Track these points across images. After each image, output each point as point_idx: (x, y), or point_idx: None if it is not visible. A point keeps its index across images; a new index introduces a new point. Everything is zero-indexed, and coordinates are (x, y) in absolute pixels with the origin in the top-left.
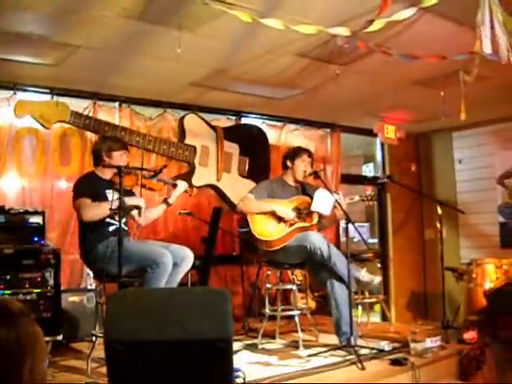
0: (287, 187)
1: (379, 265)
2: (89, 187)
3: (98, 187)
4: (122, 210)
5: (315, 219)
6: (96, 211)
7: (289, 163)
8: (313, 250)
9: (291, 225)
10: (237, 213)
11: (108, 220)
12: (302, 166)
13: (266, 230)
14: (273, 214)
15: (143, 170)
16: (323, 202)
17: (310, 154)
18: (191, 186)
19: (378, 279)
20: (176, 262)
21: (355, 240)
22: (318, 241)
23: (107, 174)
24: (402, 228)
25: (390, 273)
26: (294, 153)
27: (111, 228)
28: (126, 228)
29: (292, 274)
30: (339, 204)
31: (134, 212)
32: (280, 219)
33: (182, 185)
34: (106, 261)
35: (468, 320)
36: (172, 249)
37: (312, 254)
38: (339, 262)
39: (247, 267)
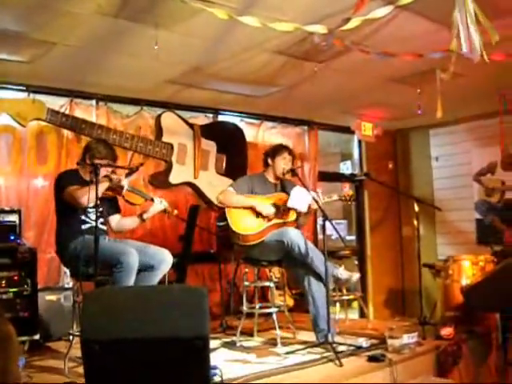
0: (267, 184)
1: (356, 262)
2: (73, 180)
3: (77, 184)
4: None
5: (293, 216)
6: (89, 195)
7: (269, 160)
8: (290, 246)
9: (269, 220)
10: (214, 210)
11: (83, 218)
12: (281, 163)
13: (243, 224)
14: (251, 209)
15: (119, 168)
16: (300, 198)
17: (290, 152)
18: (167, 184)
19: (356, 276)
20: (153, 265)
21: (333, 237)
22: (295, 236)
23: (86, 174)
24: (379, 225)
25: (368, 270)
26: (275, 150)
27: (85, 226)
28: (103, 227)
29: (270, 271)
30: (316, 201)
31: (113, 217)
32: (258, 214)
33: (160, 203)
34: (79, 259)
35: (445, 316)
36: (151, 251)
37: (289, 249)
38: (316, 258)
39: (225, 265)
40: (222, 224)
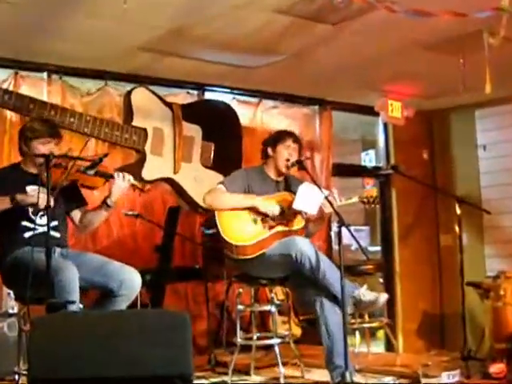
0: (267, 181)
1: (382, 280)
2: (2, 182)
3: (18, 183)
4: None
5: (300, 223)
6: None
7: (269, 151)
8: (300, 260)
9: (271, 227)
10: (199, 213)
11: (25, 223)
12: (285, 153)
13: (238, 232)
14: (250, 212)
15: (77, 160)
16: (309, 199)
17: (296, 139)
18: (140, 179)
19: (382, 298)
20: (112, 289)
21: (352, 248)
22: (306, 248)
23: (32, 166)
24: (410, 232)
25: (396, 290)
26: (276, 137)
27: (27, 234)
28: (57, 234)
29: (271, 291)
30: (330, 202)
31: (76, 213)
32: (257, 219)
33: (123, 178)
34: (23, 277)
35: (495, 349)
36: (110, 269)
37: (298, 265)
38: (332, 275)
39: (213, 283)
40: (210, 232)
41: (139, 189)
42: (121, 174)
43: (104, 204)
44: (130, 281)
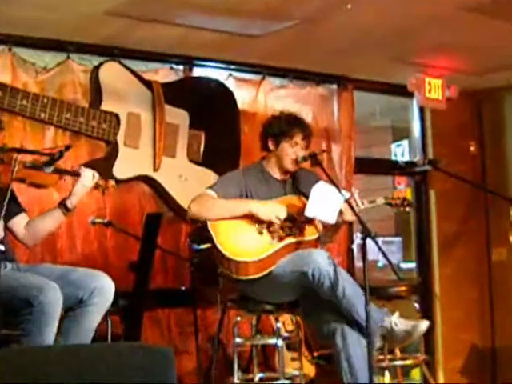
0: (271, 182)
1: (417, 305)
2: None
3: None
4: None
5: (314, 233)
6: None
7: (270, 144)
8: (317, 280)
9: (281, 239)
10: (186, 221)
11: None
12: (290, 152)
13: (241, 244)
14: (252, 221)
15: (30, 154)
16: (324, 203)
17: (307, 135)
18: (110, 178)
19: (422, 326)
20: (82, 298)
21: (379, 265)
22: (325, 264)
23: None
24: (454, 245)
25: (436, 317)
26: (280, 129)
27: None
28: (1, 247)
29: (277, 320)
30: (351, 207)
31: (16, 222)
32: (263, 229)
33: (88, 175)
34: None
35: None
36: (75, 277)
37: (315, 285)
38: (356, 297)
39: (204, 310)
40: (201, 248)
41: (102, 188)
42: (88, 169)
43: (62, 206)
44: (102, 286)
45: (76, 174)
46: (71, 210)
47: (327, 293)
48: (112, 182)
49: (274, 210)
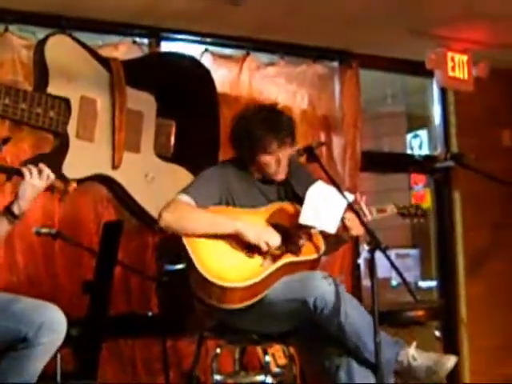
0: (255, 185)
1: (438, 333)
2: None
3: None
4: None
5: (318, 250)
6: None
7: (246, 156)
8: (320, 311)
9: (275, 258)
10: (153, 231)
11: None
12: (271, 162)
13: (225, 266)
14: (234, 240)
15: None
16: (323, 207)
17: (282, 140)
18: (61, 177)
19: (448, 363)
20: (26, 336)
21: (392, 283)
22: (329, 292)
23: None
24: (484, 259)
25: (462, 348)
26: (251, 144)
27: None
28: None
29: (265, 352)
30: (356, 213)
31: None
32: (249, 249)
33: (39, 174)
34: None
35: None
36: (19, 309)
37: (316, 315)
38: (364, 330)
39: (175, 340)
40: (176, 268)
41: (60, 191)
42: (34, 168)
43: (7, 212)
44: (52, 322)
45: (17, 173)
46: (19, 217)
47: (332, 327)
48: (74, 185)
49: (266, 234)
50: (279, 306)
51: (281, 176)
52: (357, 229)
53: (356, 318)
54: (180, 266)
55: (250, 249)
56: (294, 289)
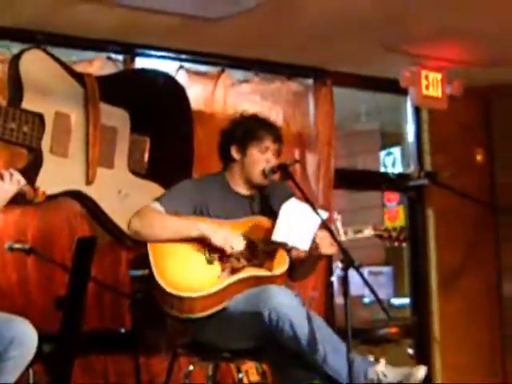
0: (232, 197)
1: (411, 350)
2: None
3: None
4: None
5: (285, 263)
6: None
7: (234, 152)
8: (275, 324)
9: (235, 271)
10: (126, 246)
11: None
12: (261, 159)
13: (185, 276)
14: (201, 246)
15: None
16: (296, 224)
17: (277, 137)
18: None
19: (419, 373)
20: None
21: (365, 301)
22: (286, 304)
23: None
24: (457, 277)
25: (435, 365)
26: (247, 132)
27: None
28: None
29: (238, 369)
30: (329, 230)
31: None
32: (213, 258)
33: (10, 178)
34: None
35: None
36: None
37: (273, 330)
38: (329, 345)
39: (148, 357)
40: (138, 274)
41: (30, 197)
42: (5, 171)
43: None
44: (22, 337)
45: None
46: None
47: (288, 341)
48: (42, 190)
49: (231, 237)
50: (237, 318)
51: (261, 181)
52: (327, 247)
53: (323, 335)
54: (141, 272)
55: (213, 255)
56: (250, 301)
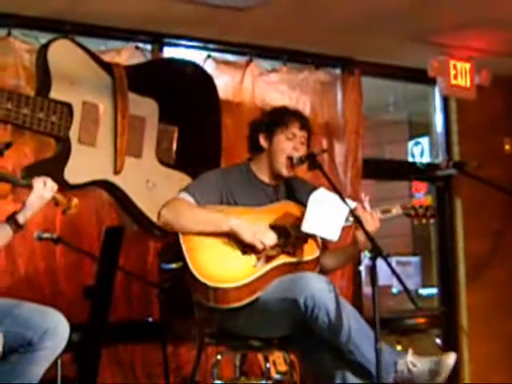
0: (258, 186)
1: (438, 340)
2: None
3: None
4: None
5: (313, 251)
6: None
7: (262, 141)
8: (310, 311)
9: (269, 259)
10: (155, 236)
11: None
12: (287, 146)
13: (219, 266)
14: (231, 238)
15: None
16: (325, 214)
17: (305, 124)
18: (60, 182)
19: (450, 360)
20: (31, 341)
21: (393, 291)
22: (322, 292)
23: None
24: (485, 267)
25: (463, 355)
26: (273, 120)
27: None
28: None
29: (266, 359)
30: (358, 221)
31: None
32: (246, 247)
33: (43, 186)
34: None
35: None
36: (24, 314)
37: (307, 317)
38: (361, 333)
39: (176, 347)
40: (170, 267)
41: (63, 205)
42: (41, 179)
43: (11, 221)
44: (56, 328)
45: (29, 186)
46: (23, 227)
47: (324, 328)
48: (76, 200)
49: (260, 233)
50: (272, 305)
51: (284, 172)
52: (361, 240)
53: (354, 324)
54: (174, 265)
55: (246, 247)
56: (285, 288)
